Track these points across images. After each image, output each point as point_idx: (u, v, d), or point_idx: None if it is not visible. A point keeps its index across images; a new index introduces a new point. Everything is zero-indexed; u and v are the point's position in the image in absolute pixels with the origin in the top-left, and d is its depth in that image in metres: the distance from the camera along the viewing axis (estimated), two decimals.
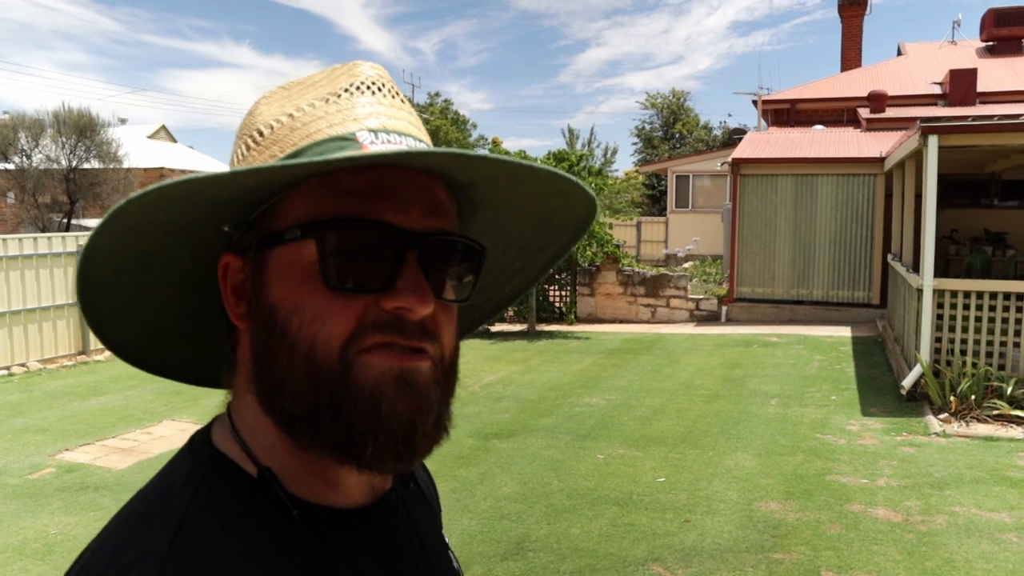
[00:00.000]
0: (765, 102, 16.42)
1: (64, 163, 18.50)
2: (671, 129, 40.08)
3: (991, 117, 7.34)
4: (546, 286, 13.21)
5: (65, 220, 18.76)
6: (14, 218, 20.44)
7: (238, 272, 0.63)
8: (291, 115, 0.63)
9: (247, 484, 0.61)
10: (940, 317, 6.90)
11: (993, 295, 6.78)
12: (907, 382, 6.88)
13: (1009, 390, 6.41)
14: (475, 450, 5.94)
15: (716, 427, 6.46)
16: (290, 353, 0.58)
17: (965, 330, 6.84)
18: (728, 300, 12.31)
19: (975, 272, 8.45)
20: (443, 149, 0.53)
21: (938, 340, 6.92)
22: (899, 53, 18.62)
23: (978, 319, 6.82)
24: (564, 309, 12.88)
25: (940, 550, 4.06)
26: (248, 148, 0.65)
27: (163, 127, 26.25)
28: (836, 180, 11.62)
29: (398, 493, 0.71)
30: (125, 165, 20.36)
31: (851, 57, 18.66)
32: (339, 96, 0.63)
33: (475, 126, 41.62)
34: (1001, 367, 6.77)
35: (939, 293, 6.89)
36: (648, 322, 12.68)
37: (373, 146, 0.60)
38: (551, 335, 11.58)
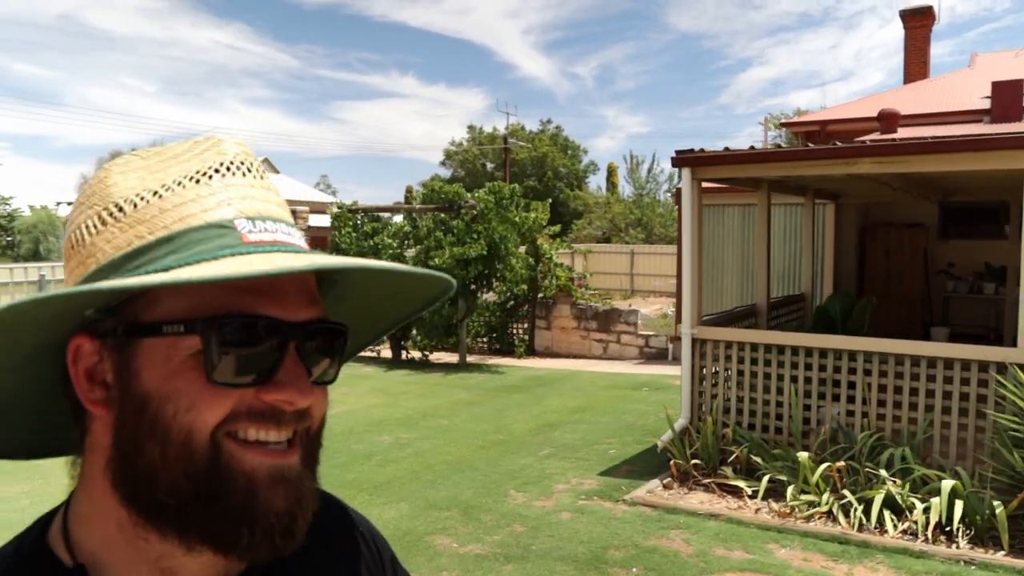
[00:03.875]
0: (792, 124, 15.10)
1: None
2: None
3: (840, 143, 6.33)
4: (507, 319, 13.00)
5: None
6: None
7: (92, 355, 0.60)
8: (157, 193, 0.61)
9: None
10: (703, 368, 6.14)
11: (755, 346, 5.94)
12: (662, 440, 6.18)
13: (743, 454, 5.58)
14: None
15: (431, 476, 6.17)
16: (163, 443, 0.57)
17: (727, 384, 6.04)
18: (674, 338, 11.47)
19: (827, 320, 7.29)
20: (330, 262, 0.56)
21: (701, 394, 6.16)
22: (970, 65, 16.39)
23: (740, 372, 6.00)
24: (517, 342, 12.61)
25: None
26: (104, 223, 0.61)
27: (266, 159, 28.55)
28: (784, 210, 10.53)
29: (273, 570, 0.66)
30: None
31: (916, 71, 16.60)
32: (210, 177, 0.62)
33: (585, 152, 41.29)
34: (765, 428, 5.90)
35: (700, 343, 6.14)
36: (599, 358, 12.11)
37: (252, 235, 0.60)
38: (479, 367, 11.40)
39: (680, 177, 6.11)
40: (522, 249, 12.56)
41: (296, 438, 0.61)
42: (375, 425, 7.93)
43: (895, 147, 5.20)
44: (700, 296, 6.23)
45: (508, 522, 5.10)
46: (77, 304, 0.57)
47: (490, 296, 12.89)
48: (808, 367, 5.72)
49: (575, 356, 12.31)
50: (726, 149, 5.82)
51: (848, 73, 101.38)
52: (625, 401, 8.73)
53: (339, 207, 12.59)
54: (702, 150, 5.91)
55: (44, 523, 0.65)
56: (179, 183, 0.61)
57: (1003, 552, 4.44)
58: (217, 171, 0.62)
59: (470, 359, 11.99)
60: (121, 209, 0.61)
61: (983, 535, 4.61)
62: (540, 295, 12.60)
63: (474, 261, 10.85)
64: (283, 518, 0.58)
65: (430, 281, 0.67)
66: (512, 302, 12.82)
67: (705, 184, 10.99)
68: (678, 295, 11.50)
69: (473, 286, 11.37)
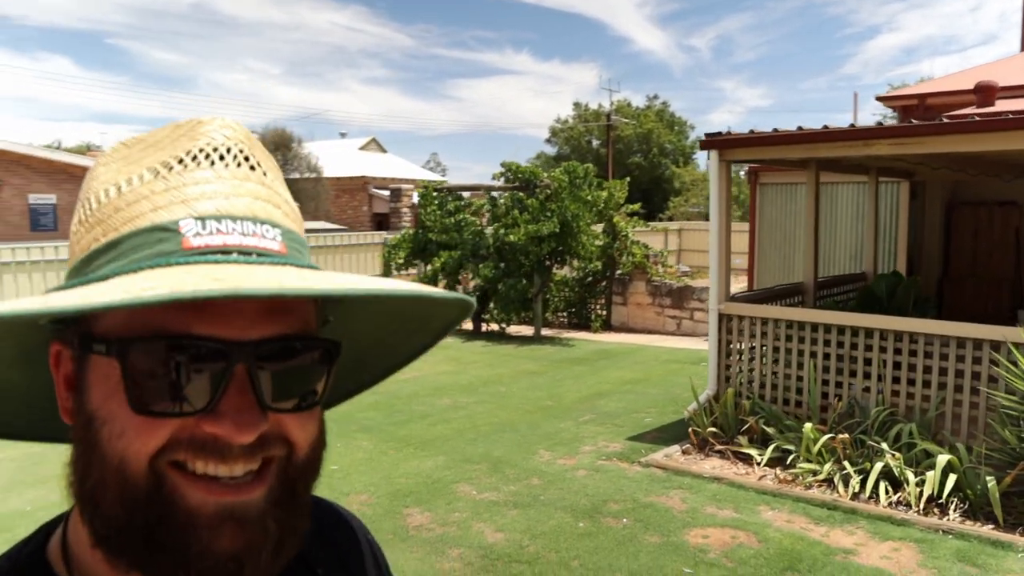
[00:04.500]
0: (888, 99, 14.57)
1: None
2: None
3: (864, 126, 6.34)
4: (586, 295, 13.41)
5: None
6: None
7: (69, 362, 0.57)
8: (119, 188, 0.56)
9: None
10: (729, 343, 6.41)
11: (776, 323, 6.15)
12: (689, 409, 6.50)
13: (757, 424, 5.85)
14: None
15: (474, 435, 6.76)
16: (101, 467, 0.52)
17: (752, 358, 6.29)
18: None
19: (873, 300, 7.24)
20: (257, 290, 0.47)
21: (728, 368, 6.43)
22: None
23: (763, 347, 6.23)
24: (593, 317, 13.01)
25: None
26: (80, 220, 0.58)
27: (373, 139, 29.84)
28: (856, 188, 10.38)
29: None
30: (326, 175, 23.87)
31: None
32: (171, 168, 0.55)
33: (692, 128, 40.49)
34: (786, 401, 6.12)
35: (727, 318, 6.40)
36: (672, 334, 12.34)
37: (197, 239, 0.53)
38: (552, 340, 11.89)
39: (708, 158, 6.35)
40: (599, 227, 12.91)
41: (267, 469, 0.54)
42: (439, 390, 8.60)
43: (909, 129, 5.28)
44: (727, 273, 6.47)
45: (527, 476, 5.62)
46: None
47: (569, 272, 13.32)
48: (827, 343, 5.89)
49: (649, 332, 12.59)
50: (751, 132, 6.03)
51: (990, 37, 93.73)
52: (679, 375, 9.01)
53: (424, 186, 13.34)
54: (729, 132, 6.14)
55: (46, 533, 0.62)
56: (140, 176, 0.56)
57: (992, 526, 4.57)
58: (181, 161, 0.56)
59: (546, 332, 12.51)
60: (90, 206, 0.57)
61: (977, 510, 4.74)
62: (617, 272, 12.92)
63: (547, 238, 11.32)
64: (226, 564, 0.52)
65: (433, 302, 0.61)
66: (590, 278, 13.21)
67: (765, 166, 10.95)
68: (749, 272, 11.58)
69: (548, 262, 11.84)
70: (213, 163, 0.57)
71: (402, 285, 0.53)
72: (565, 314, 13.70)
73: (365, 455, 6.19)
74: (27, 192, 16.77)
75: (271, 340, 0.54)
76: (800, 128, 5.76)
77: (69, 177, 17.46)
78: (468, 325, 13.08)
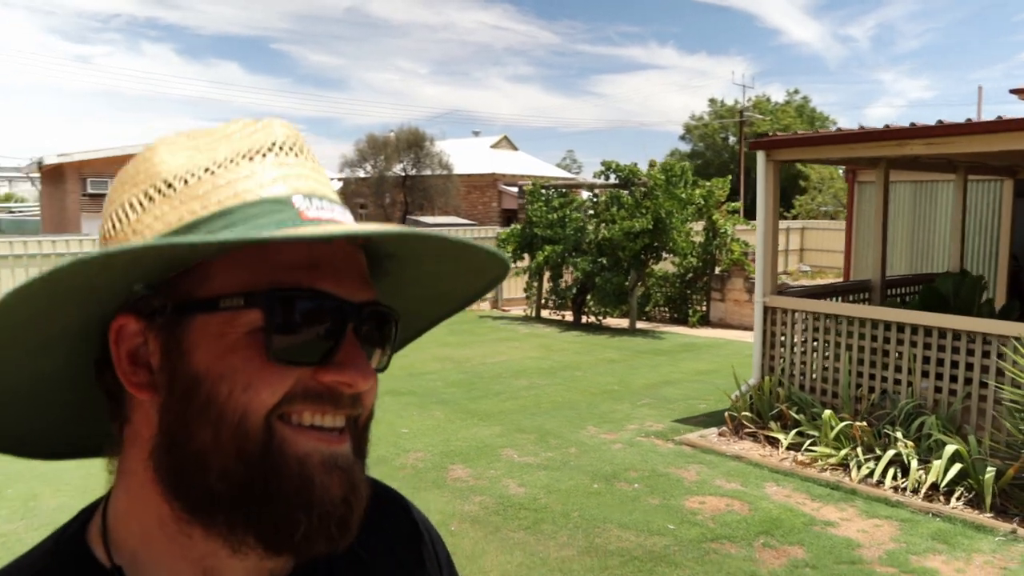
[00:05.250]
0: (1021, 91, 13.78)
1: (401, 171, 23.89)
2: None
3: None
4: (687, 290, 13.70)
5: (401, 217, 24.17)
6: (366, 217, 26.66)
7: (135, 336, 0.58)
8: (209, 170, 0.59)
9: None
10: (774, 335, 6.72)
11: (816, 316, 6.40)
12: (732, 396, 6.86)
13: (789, 411, 6.15)
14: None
15: (535, 411, 7.44)
16: (216, 425, 0.55)
17: (793, 348, 6.57)
18: None
19: (936, 298, 7.12)
20: (390, 229, 0.54)
21: (772, 358, 6.74)
22: None
23: (805, 339, 6.49)
24: (691, 312, 13.28)
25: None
26: (151, 200, 0.59)
27: (505, 137, 30.88)
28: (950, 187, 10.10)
29: (319, 571, 0.66)
30: (457, 172, 25.19)
31: None
32: (264, 155, 0.60)
33: (834, 123, 38.65)
34: (823, 391, 6.37)
35: (771, 311, 6.71)
36: None
37: (309, 211, 0.58)
38: (644, 333, 12.32)
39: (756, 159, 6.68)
40: (700, 225, 13.17)
41: (347, 427, 0.59)
42: (520, 372, 9.32)
43: (942, 129, 5.43)
44: (774, 268, 6.77)
45: (567, 446, 6.24)
46: (132, 272, 0.54)
47: (670, 268, 13.65)
48: (862, 336, 6.11)
49: (745, 328, 12.71)
50: (794, 133, 6.31)
51: None
52: (752, 368, 9.26)
53: (532, 183, 14.08)
54: (775, 134, 6.45)
55: (83, 520, 0.63)
56: (232, 160, 0.59)
57: (991, 515, 4.74)
58: (270, 150, 0.61)
59: (642, 326, 12.93)
60: (171, 186, 0.59)
61: (980, 499, 4.90)
62: (717, 269, 13.13)
63: (640, 234, 11.76)
64: (339, 507, 0.56)
65: (483, 260, 0.63)
66: (690, 274, 13.49)
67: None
68: (846, 268, 11.51)
69: (643, 257, 12.28)
70: (296, 154, 0.62)
71: (456, 237, 0.57)
72: (666, 309, 14.04)
73: (434, 423, 7.01)
74: None
75: (368, 304, 0.60)
76: (839, 129, 6.01)
77: None
78: (568, 316, 13.72)
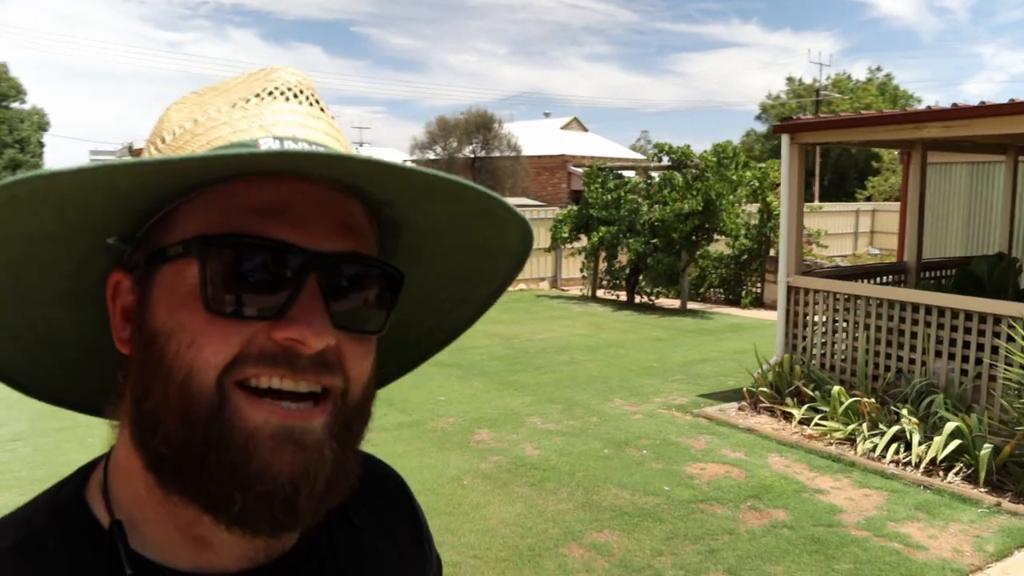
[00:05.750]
0: None
1: (470, 153, 24.43)
2: None
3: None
4: (741, 272, 13.75)
5: None
6: None
7: (127, 292, 0.57)
8: (195, 120, 0.59)
9: (91, 537, 0.56)
10: (796, 314, 6.88)
11: (836, 296, 6.54)
12: (755, 373, 7.07)
13: (806, 387, 6.34)
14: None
15: (568, 384, 7.82)
16: (165, 383, 0.52)
17: (814, 328, 6.73)
18: None
19: (971, 281, 7.03)
20: (333, 153, 0.48)
21: (795, 336, 6.92)
22: None
23: (825, 319, 6.65)
24: (744, 294, 13.34)
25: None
26: (157, 150, 0.60)
27: (575, 119, 30.99)
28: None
29: (319, 546, 0.63)
30: (525, 153, 25.57)
31: None
32: (247, 101, 0.59)
33: (919, 101, 37.09)
34: (843, 370, 6.52)
35: (795, 290, 6.87)
36: None
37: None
38: (694, 313, 12.48)
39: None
40: (755, 207, 13.20)
41: (326, 399, 0.55)
42: (564, 348, 9.70)
43: (957, 112, 5.49)
44: (798, 249, 6.92)
45: (590, 415, 6.61)
46: (104, 215, 0.53)
47: (725, 250, 13.72)
48: (879, 317, 6.23)
49: None
50: (816, 116, 6.44)
51: None
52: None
53: (589, 165, 14.34)
54: (798, 117, 6.59)
55: (83, 476, 0.61)
56: (218, 110, 0.59)
57: (986, 489, 4.88)
58: (258, 95, 0.59)
59: (693, 306, 13.08)
60: (163, 140, 0.59)
61: (978, 475, 5.03)
62: (771, 251, 13.13)
63: (690, 215, 11.91)
64: (283, 487, 0.51)
65: (503, 216, 0.59)
66: (745, 256, 13.53)
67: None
68: (900, 250, 11.39)
69: (694, 238, 12.42)
70: (288, 99, 0.59)
71: (467, 183, 0.53)
72: (721, 290, 14.13)
73: (471, 392, 7.48)
74: None
75: (343, 255, 0.55)
76: (857, 112, 6.13)
77: None
78: (623, 296, 13.98)
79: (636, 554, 4.05)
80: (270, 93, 0.59)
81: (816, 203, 18.24)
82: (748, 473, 5.18)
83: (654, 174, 13.41)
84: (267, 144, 0.55)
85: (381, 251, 0.62)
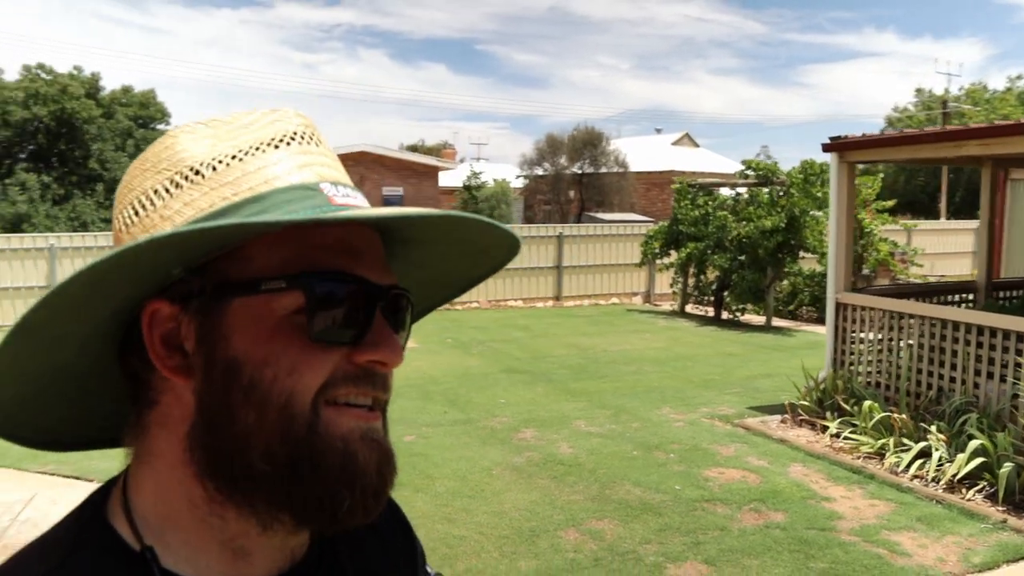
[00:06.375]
0: None
1: (577, 170, 24.88)
2: None
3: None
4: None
5: (577, 214, 25.17)
6: (546, 213, 27.83)
7: (168, 320, 0.59)
8: (236, 157, 0.61)
9: (121, 559, 0.59)
10: (844, 330, 6.95)
11: (882, 313, 6.57)
12: (803, 388, 7.17)
13: (844, 402, 6.42)
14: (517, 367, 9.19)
15: (625, 393, 8.15)
16: (260, 409, 0.57)
17: (860, 344, 6.78)
18: None
19: None
20: (429, 212, 0.57)
21: (843, 352, 6.98)
22: None
23: (876, 336, 6.69)
24: None
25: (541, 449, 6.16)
26: (178, 187, 0.60)
27: (686, 135, 30.78)
28: None
29: (327, 550, 0.70)
30: (635, 169, 25.81)
31: None
32: (288, 143, 0.63)
33: None
34: (887, 387, 6.54)
35: (843, 307, 6.94)
36: None
37: (337, 198, 0.60)
38: (777, 330, 12.41)
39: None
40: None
41: (377, 406, 0.63)
42: (634, 360, 9.99)
43: (995, 129, 5.50)
44: (847, 266, 6.99)
45: (633, 421, 6.94)
46: (173, 256, 0.56)
47: (817, 267, 13.54)
48: (921, 335, 6.24)
49: None
50: (863, 135, 6.53)
51: None
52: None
53: (679, 182, 14.52)
54: (846, 136, 6.70)
55: (99, 502, 0.63)
56: (257, 148, 0.61)
57: (1000, 507, 4.89)
58: (293, 138, 0.63)
59: (780, 323, 12.99)
60: (198, 173, 0.60)
61: (1000, 493, 5.03)
62: (864, 269, 12.87)
63: (773, 232, 11.91)
64: (375, 478, 0.60)
65: (506, 243, 0.67)
66: None
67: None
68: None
69: (780, 255, 12.38)
70: (317, 144, 0.65)
71: (467, 215, 0.60)
72: (813, 308, 13.92)
73: (532, 397, 7.96)
74: (381, 185, 21.27)
75: (392, 287, 0.63)
76: (901, 132, 6.20)
77: (413, 173, 21.67)
78: (711, 312, 14.04)
79: (626, 541, 4.41)
80: (302, 136, 0.64)
81: (910, 220, 17.46)
82: (763, 479, 5.39)
83: (742, 190, 13.45)
84: (327, 188, 0.61)
85: None
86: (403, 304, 0.66)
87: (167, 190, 0.60)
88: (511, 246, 0.69)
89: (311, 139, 0.65)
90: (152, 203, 0.61)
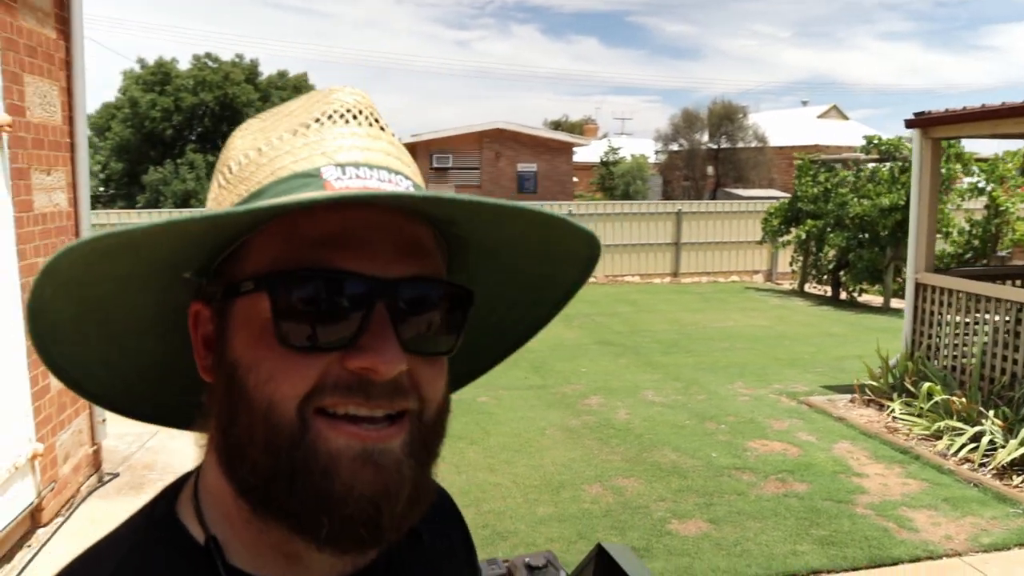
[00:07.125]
0: None
1: (713, 145, 24.42)
2: None
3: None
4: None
5: (713, 190, 24.73)
6: (680, 188, 27.42)
7: (207, 322, 0.60)
8: (259, 150, 0.60)
9: (189, 553, 0.59)
10: (923, 311, 6.80)
11: (959, 295, 6.38)
12: (877, 369, 7.09)
13: (912, 384, 6.34)
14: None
15: (700, 367, 8.33)
16: (249, 413, 0.55)
17: (939, 324, 6.62)
18: None
19: None
20: (399, 192, 0.52)
21: (921, 333, 6.84)
22: None
23: (953, 318, 6.52)
24: None
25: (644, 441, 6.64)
26: (220, 185, 0.62)
27: (834, 107, 29.14)
28: None
29: (395, 559, 0.65)
30: (778, 144, 25.05)
31: None
32: (308, 127, 0.60)
33: None
34: (963, 370, 6.37)
35: (923, 288, 6.79)
36: None
37: (339, 182, 0.56)
38: (892, 311, 11.93)
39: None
40: (979, 201, 12.23)
41: (403, 419, 0.56)
42: (729, 337, 10.06)
43: None
44: (929, 246, 6.81)
45: (700, 394, 7.16)
46: (172, 258, 0.56)
47: (947, 248, 12.84)
48: (997, 318, 6.05)
49: None
50: (947, 109, 6.34)
51: None
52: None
53: (801, 159, 14.13)
54: (931, 112, 6.51)
55: (173, 494, 0.64)
56: (280, 137, 0.60)
57: None
58: (317, 120, 0.60)
59: (898, 304, 12.44)
60: (231, 170, 0.61)
61: None
62: (997, 249, 12.10)
63: (891, 210, 11.45)
64: (365, 508, 0.53)
65: (567, 230, 0.60)
66: (969, 254, 12.57)
67: None
68: None
69: (899, 234, 11.88)
70: (347, 121, 0.60)
71: (530, 206, 0.55)
72: None
73: (614, 368, 8.32)
74: (516, 162, 21.93)
75: (409, 280, 0.56)
76: (983, 106, 6.00)
77: (547, 150, 22.18)
78: (828, 291, 13.66)
79: (642, 497, 4.77)
80: (329, 117, 0.60)
81: None
82: (803, 452, 5.52)
83: (867, 166, 12.94)
84: (328, 172, 0.57)
85: (453, 267, 0.64)
86: (433, 298, 0.58)
87: (220, 186, 0.62)
88: (586, 240, 0.63)
89: (342, 117, 0.61)
90: (216, 197, 0.63)
